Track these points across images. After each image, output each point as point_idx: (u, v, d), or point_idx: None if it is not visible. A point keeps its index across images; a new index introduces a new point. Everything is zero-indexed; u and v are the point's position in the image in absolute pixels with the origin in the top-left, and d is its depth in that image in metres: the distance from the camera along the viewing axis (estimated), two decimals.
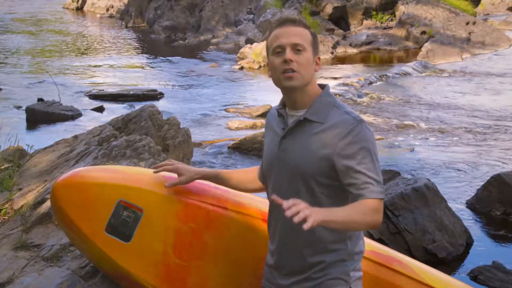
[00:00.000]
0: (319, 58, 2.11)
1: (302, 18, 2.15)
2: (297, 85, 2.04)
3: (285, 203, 1.76)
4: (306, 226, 1.72)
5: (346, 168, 1.98)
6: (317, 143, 2.03)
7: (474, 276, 4.41)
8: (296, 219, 1.72)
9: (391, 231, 4.68)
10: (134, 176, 2.42)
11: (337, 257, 2.08)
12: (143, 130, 5.08)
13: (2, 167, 4.54)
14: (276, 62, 2.05)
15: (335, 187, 2.04)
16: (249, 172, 2.40)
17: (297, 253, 2.10)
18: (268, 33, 2.12)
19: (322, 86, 2.14)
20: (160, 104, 9.09)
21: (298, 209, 1.74)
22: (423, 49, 14.77)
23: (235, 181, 2.38)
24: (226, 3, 19.55)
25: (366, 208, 1.93)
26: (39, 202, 3.51)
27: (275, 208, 2.17)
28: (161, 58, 15.30)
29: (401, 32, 16.42)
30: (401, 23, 16.57)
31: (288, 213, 1.72)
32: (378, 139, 8.09)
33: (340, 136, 1.99)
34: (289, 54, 2.02)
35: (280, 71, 2.05)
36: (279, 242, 2.15)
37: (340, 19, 17.64)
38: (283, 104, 2.16)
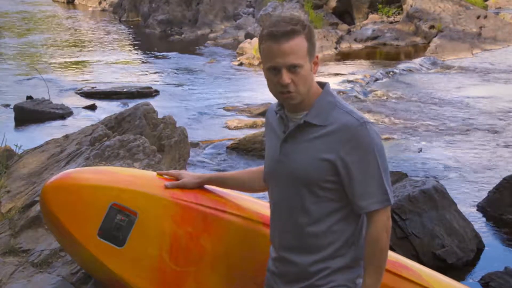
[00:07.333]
0: (317, 57, 2.06)
1: (299, 16, 2.12)
2: (296, 102, 2.03)
3: None
4: None
5: (349, 174, 1.99)
6: (319, 147, 2.02)
7: (485, 283, 4.41)
8: None
9: (398, 236, 4.68)
10: (128, 177, 2.43)
11: (342, 263, 2.08)
12: (137, 129, 5.08)
13: None
14: (272, 79, 2.01)
15: (340, 190, 2.04)
16: (254, 171, 2.39)
17: (299, 259, 2.10)
18: (260, 38, 2.02)
19: (322, 85, 2.11)
20: (155, 102, 9.06)
21: None
22: (432, 45, 14.77)
23: (241, 181, 2.39)
24: None
25: (380, 241, 2.02)
26: (28, 205, 3.51)
27: (275, 212, 2.17)
28: (156, 53, 15.30)
29: (409, 27, 16.42)
30: (408, 17, 16.56)
31: None
32: (384, 139, 8.10)
33: (343, 141, 1.99)
34: (285, 76, 1.97)
35: (277, 91, 2.02)
36: (280, 248, 2.15)
37: (344, 13, 17.64)
38: (281, 104, 2.13)
